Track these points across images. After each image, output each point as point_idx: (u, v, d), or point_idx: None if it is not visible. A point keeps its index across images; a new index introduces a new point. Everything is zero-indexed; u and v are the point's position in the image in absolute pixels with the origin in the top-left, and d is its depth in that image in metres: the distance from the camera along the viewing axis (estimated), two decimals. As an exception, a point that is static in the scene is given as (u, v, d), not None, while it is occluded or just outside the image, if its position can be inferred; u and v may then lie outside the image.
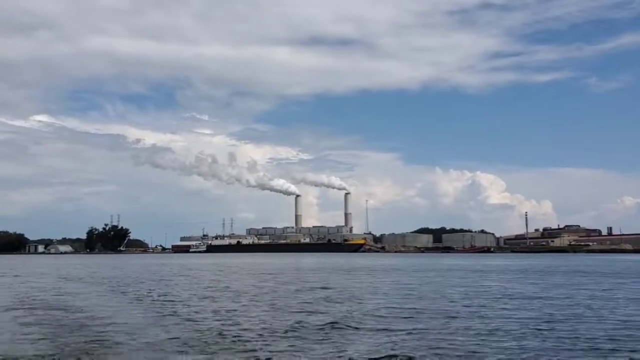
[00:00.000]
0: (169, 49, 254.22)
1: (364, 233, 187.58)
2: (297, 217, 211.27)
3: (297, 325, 11.79)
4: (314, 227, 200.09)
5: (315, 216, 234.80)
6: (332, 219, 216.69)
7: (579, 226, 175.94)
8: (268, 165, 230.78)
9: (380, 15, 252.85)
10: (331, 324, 11.87)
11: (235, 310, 14.85)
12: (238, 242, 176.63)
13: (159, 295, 19.36)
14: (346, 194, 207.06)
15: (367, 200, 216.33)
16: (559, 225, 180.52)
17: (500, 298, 18.27)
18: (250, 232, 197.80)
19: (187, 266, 51.67)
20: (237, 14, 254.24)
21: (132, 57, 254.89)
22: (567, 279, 29.36)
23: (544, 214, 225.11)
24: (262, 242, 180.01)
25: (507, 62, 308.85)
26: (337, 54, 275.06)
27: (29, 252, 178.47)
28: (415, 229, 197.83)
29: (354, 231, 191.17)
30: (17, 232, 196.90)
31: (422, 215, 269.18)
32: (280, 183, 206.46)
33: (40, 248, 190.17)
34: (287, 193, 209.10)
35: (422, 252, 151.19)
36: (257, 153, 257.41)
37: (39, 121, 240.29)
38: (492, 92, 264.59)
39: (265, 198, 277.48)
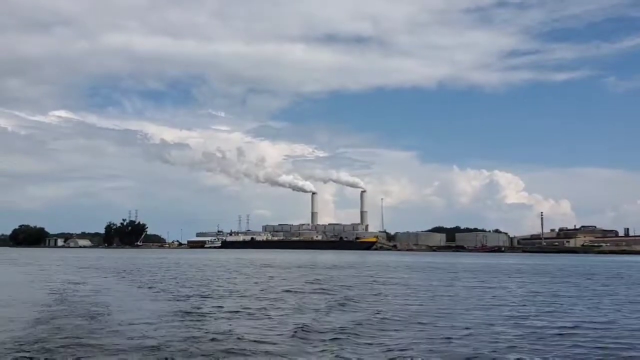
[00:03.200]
0: (185, 45, 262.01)
1: (379, 231, 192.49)
2: (313, 215, 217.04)
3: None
4: (329, 224, 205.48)
5: (332, 214, 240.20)
6: (349, 217, 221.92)
7: (595, 227, 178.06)
8: (284, 163, 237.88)
9: (396, 13, 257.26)
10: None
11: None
12: (252, 238, 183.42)
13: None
14: (362, 192, 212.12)
15: (382, 199, 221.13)
16: (575, 226, 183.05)
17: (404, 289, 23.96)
18: (266, 228, 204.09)
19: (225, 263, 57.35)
20: (253, 11, 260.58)
21: (149, 53, 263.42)
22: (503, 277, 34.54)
23: (563, 214, 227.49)
24: (276, 238, 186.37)
25: (524, 61, 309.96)
26: (352, 52, 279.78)
27: (49, 246, 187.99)
28: (430, 227, 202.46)
29: (370, 229, 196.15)
30: (38, 226, 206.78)
31: (437, 214, 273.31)
32: (289, 179, 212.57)
33: (60, 242, 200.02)
34: (301, 190, 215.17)
35: (434, 250, 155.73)
36: (273, 150, 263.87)
37: (58, 117, 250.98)
38: (509, 90, 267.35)
39: (282, 195, 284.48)
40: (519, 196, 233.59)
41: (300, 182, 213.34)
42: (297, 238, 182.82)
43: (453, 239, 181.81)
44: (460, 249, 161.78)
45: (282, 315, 13.98)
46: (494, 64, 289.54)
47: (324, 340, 10.34)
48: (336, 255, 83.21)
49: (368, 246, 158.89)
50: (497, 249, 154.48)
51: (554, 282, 29.33)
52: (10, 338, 10.22)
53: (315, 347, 9.78)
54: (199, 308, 15.12)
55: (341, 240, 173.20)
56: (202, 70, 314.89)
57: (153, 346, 9.75)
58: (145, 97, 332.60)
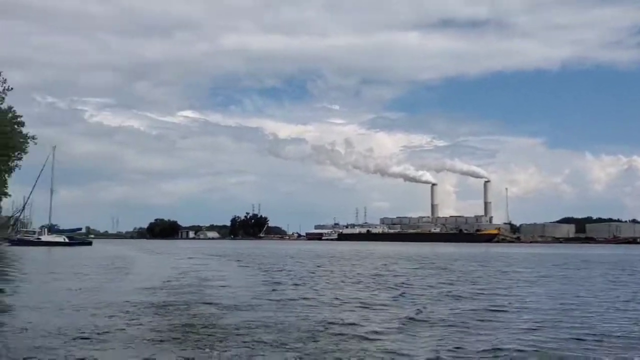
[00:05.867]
0: (298, 42, 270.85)
1: (503, 223, 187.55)
2: (434, 207, 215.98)
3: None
4: (450, 216, 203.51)
5: (453, 205, 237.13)
6: (471, 209, 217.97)
7: None
8: (401, 154, 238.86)
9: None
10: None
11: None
12: (368, 231, 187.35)
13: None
14: (486, 182, 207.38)
15: (506, 189, 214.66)
16: None
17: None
18: (383, 221, 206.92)
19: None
20: (363, 2, 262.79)
21: (265, 52, 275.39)
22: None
23: None
24: (392, 231, 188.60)
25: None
26: (469, 36, 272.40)
27: (181, 238, 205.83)
28: (559, 218, 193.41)
29: (494, 221, 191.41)
30: (171, 219, 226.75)
31: (567, 203, 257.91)
32: (401, 169, 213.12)
33: (191, 234, 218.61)
34: (415, 181, 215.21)
35: (561, 242, 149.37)
36: (389, 141, 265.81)
37: (185, 117, 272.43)
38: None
39: (401, 187, 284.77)
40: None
41: (413, 173, 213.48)
42: (415, 231, 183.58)
43: (583, 230, 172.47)
44: (590, 240, 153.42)
45: (398, 304, 13.88)
46: (625, 40, 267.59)
47: (436, 331, 10.01)
48: (455, 247, 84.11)
49: (489, 239, 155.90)
50: (631, 241, 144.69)
51: None
52: (146, 301, 14.50)
53: (427, 336, 9.53)
54: (311, 296, 15.52)
55: (460, 232, 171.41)
56: (315, 65, 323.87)
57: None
58: (263, 95, 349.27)
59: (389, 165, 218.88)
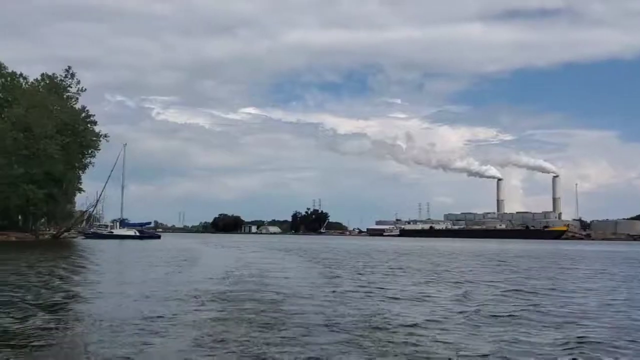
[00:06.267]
0: (359, 36, 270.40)
1: (572, 219, 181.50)
2: (499, 203, 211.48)
3: None
4: (517, 212, 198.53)
5: (520, 201, 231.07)
6: (539, 204, 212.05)
7: None
8: (465, 148, 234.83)
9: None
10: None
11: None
12: (431, 227, 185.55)
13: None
14: (554, 177, 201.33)
15: (576, 184, 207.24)
16: None
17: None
18: (448, 217, 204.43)
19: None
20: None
21: (325, 47, 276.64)
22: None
23: None
24: (456, 227, 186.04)
25: None
26: (537, 26, 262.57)
27: (244, 232, 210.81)
28: (635, 214, 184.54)
29: (563, 217, 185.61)
30: (234, 214, 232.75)
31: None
32: (464, 164, 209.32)
33: (254, 229, 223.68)
34: (479, 175, 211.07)
35: (635, 240, 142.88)
36: (453, 135, 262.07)
37: (248, 113, 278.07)
38: None
39: (465, 183, 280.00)
40: None
41: (477, 168, 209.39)
42: (479, 227, 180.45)
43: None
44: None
45: (460, 300, 13.70)
46: None
47: (496, 327, 9.88)
48: (521, 244, 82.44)
49: (557, 235, 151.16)
50: None
51: None
52: (213, 289, 15.64)
53: (487, 332, 9.42)
54: (368, 289, 15.77)
55: (527, 229, 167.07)
56: (376, 59, 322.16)
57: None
58: (323, 90, 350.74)
59: (451, 159, 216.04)
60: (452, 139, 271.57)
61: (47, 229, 74.73)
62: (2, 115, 56.72)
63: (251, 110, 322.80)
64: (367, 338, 8.67)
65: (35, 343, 7.91)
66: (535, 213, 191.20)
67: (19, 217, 66.61)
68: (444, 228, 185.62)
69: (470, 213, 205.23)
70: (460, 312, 11.52)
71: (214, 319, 10.09)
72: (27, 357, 7.20)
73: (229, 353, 7.51)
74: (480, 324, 10.15)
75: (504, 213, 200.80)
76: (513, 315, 11.14)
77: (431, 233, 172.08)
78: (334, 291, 14.93)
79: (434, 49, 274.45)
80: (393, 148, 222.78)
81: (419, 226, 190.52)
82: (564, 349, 8.21)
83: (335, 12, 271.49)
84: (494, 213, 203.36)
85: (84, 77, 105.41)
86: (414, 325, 9.89)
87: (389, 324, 9.90)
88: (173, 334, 8.77)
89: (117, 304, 12.11)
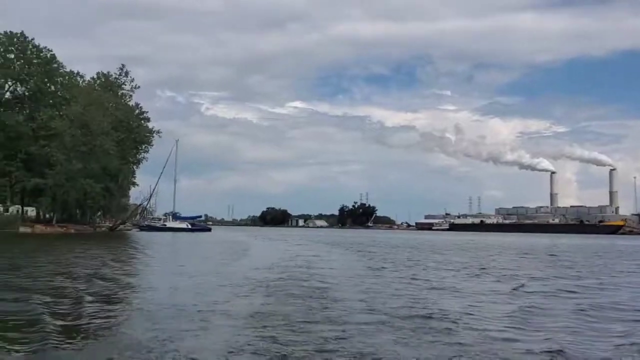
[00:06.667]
0: (408, 27, 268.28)
1: (631, 214, 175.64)
2: (553, 196, 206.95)
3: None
4: (571, 207, 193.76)
5: (574, 195, 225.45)
6: (595, 198, 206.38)
7: None
8: (517, 140, 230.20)
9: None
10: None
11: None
12: (481, 221, 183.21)
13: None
14: (611, 169, 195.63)
15: (634, 177, 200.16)
16: None
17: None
18: (499, 211, 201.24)
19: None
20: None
21: (373, 39, 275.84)
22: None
23: None
24: (507, 222, 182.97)
25: None
26: (593, 13, 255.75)
27: (291, 226, 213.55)
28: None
29: (621, 211, 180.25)
30: (281, 208, 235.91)
31: None
32: (515, 157, 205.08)
33: (301, 222, 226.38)
34: (531, 168, 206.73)
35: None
36: (504, 127, 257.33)
37: (294, 107, 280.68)
38: None
39: (517, 176, 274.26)
40: None
41: (529, 161, 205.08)
42: (531, 221, 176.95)
43: None
44: None
45: (510, 295, 13.44)
46: None
47: (550, 325, 9.50)
48: (575, 239, 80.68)
49: (613, 230, 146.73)
50: None
51: None
52: (263, 277, 16.75)
53: (536, 330, 9.08)
54: (415, 282, 15.83)
55: (581, 223, 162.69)
56: (425, 51, 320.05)
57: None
58: (371, 83, 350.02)
59: (502, 152, 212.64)
60: (503, 131, 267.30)
61: (104, 222, 78.14)
62: (61, 113, 59.68)
63: (298, 104, 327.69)
64: (403, 322, 9.43)
65: (92, 331, 8.34)
66: (590, 207, 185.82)
67: (77, 211, 69.98)
68: (494, 222, 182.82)
69: (522, 207, 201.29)
70: (504, 306, 11.53)
71: (263, 303, 11.12)
72: (85, 346, 7.43)
73: (275, 331, 8.46)
74: (530, 318, 9.90)
75: (558, 207, 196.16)
76: (567, 310, 10.86)
77: (481, 227, 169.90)
78: (375, 282, 15.75)
79: (484, 39, 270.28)
80: (442, 141, 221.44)
81: (469, 220, 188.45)
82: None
83: (384, 3, 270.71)
84: (546, 207, 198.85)
85: (136, 74, 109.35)
86: (447, 314, 10.21)
87: (429, 314, 10.18)
88: (227, 314, 9.81)
89: (177, 289, 13.44)
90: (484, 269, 21.58)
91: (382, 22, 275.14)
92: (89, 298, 11.32)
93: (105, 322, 8.98)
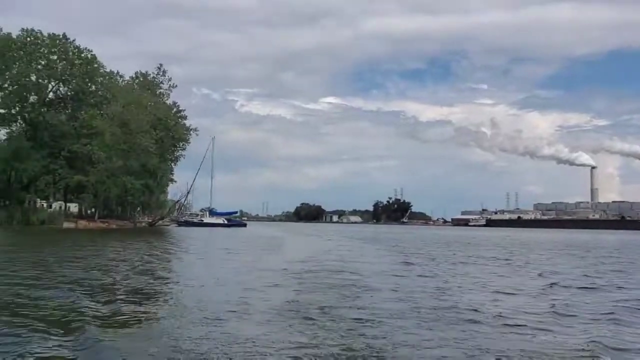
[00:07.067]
0: (442, 21, 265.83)
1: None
2: (593, 191, 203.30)
3: None
4: (613, 202, 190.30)
5: (616, 190, 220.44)
6: (638, 193, 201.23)
7: None
8: (556, 134, 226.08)
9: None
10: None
11: None
12: (519, 217, 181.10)
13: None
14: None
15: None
16: None
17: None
18: (537, 207, 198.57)
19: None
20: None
21: (407, 34, 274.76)
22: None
23: None
24: (545, 217, 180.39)
25: None
26: (636, 3, 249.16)
27: (325, 221, 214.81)
28: None
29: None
30: (316, 203, 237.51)
31: None
32: (553, 151, 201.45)
33: (335, 218, 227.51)
34: (569, 163, 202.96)
35: None
36: (542, 121, 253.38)
37: (328, 103, 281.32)
38: None
39: (556, 171, 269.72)
40: None
41: (567, 155, 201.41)
42: (570, 217, 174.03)
43: None
44: None
45: (544, 293, 13.00)
46: None
47: (584, 326, 9.11)
48: (617, 235, 79.18)
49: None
50: None
51: None
52: (298, 268, 17.74)
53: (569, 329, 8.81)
54: (445, 277, 15.98)
55: (623, 219, 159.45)
56: (460, 45, 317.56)
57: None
58: (405, 77, 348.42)
59: (538, 146, 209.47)
60: (541, 125, 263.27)
61: (143, 218, 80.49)
62: (102, 112, 61.93)
63: (331, 99, 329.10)
64: (428, 310, 10.20)
65: (137, 322, 8.66)
66: (633, 202, 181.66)
67: (117, 207, 72.39)
68: (532, 218, 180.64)
69: (561, 202, 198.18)
70: (539, 301, 11.53)
71: (297, 291, 12.11)
72: (127, 336, 7.63)
73: (310, 312, 9.37)
74: (563, 321, 9.51)
75: (598, 202, 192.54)
76: (602, 313, 10.26)
77: (519, 223, 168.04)
78: (405, 275, 16.56)
79: (521, 32, 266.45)
80: (477, 135, 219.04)
81: (506, 216, 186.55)
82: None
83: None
84: (587, 202, 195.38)
85: (172, 71, 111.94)
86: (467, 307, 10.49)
87: (456, 306, 10.54)
88: (266, 299, 10.79)
89: (222, 277, 14.64)
90: (520, 265, 21.52)
91: (416, 16, 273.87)
92: (134, 290, 12.00)
93: (151, 311, 9.66)
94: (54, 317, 8.61)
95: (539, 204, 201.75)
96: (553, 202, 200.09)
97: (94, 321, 8.33)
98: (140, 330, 8.13)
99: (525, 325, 8.86)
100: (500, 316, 9.61)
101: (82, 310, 9.18)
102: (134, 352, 6.81)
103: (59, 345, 6.96)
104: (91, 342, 7.07)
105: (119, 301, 10.32)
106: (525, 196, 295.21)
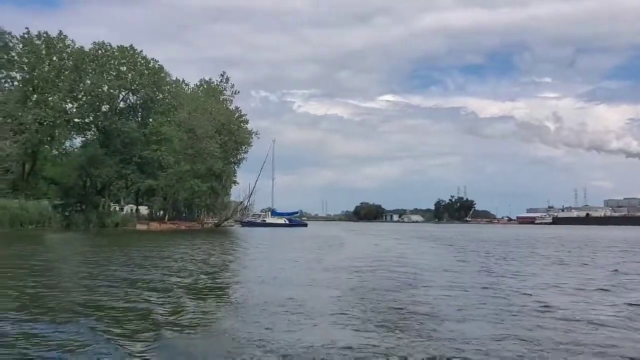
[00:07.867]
0: (501, 14, 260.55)
1: None
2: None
3: None
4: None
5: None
6: None
7: None
8: (625, 127, 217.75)
9: None
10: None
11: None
12: (587, 214, 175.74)
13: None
14: None
15: None
16: None
17: None
18: (608, 203, 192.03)
19: None
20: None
21: (465, 28, 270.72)
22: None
23: None
24: (616, 214, 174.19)
25: None
26: None
27: (386, 221, 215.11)
28: None
29: None
30: (375, 202, 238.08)
31: None
32: (621, 144, 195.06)
33: (395, 217, 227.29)
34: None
35: None
36: (612, 114, 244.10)
37: (386, 101, 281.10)
38: None
39: (627, 165, 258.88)
40: None
41: (637, 148, 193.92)
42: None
43: None
44: None
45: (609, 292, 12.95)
46: None
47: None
48: None
49: None
50: None
51: None
52: (359, 265, 19.39)
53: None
54: (503, 274, 16.43)
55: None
56: (521, 37, 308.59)
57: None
58: (465, 73, 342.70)
59: (605, 140, 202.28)
60: (611, 117, 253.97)
61: (209, 219, 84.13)
62: (169, 119, 65.58)
63: (389, 97, 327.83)
64: (484, 302, 11.61)
65: (208, 322, 9.28)
66: None
67: (185, 209, 76.22)
68: (602, 215, 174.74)
69: (634, 198, 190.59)
70: (603, 300, 11.55)
71: (356, 286, 13.75)
72: (201, 338, 7.97)
73: (366, 304, 10.98)
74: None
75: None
76: None
77: (587, 221, 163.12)
78: (460, 272, 17.87)
79: (586, 22, 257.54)
80: (540, 130, 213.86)
81: (574, 213, 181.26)
82: None
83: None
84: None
85: (232, 75, 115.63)
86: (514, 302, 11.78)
87: (507, 296, 11.66)
88: (328, 291, 12.51)
89: (288, 272, 16.54)
90: (585, 264, 21.33)
91: (473, 10, 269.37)
92: (209, 288, 12.98)
93: (226, 310, 10.54)
94: (128, 318, 9.11)
95: (609, 200, 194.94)
96: (625, 198, 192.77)
97: (168, 323, 8.72)
98: (227, 328, 8.61)
99: (596, 323, 9.06)
100: (572, 312, 9.96)
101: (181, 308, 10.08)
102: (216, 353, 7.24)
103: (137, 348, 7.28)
104: (168, 344, 7.44)
105: (192, 301, 10.93)
106: (594, 192, 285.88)
